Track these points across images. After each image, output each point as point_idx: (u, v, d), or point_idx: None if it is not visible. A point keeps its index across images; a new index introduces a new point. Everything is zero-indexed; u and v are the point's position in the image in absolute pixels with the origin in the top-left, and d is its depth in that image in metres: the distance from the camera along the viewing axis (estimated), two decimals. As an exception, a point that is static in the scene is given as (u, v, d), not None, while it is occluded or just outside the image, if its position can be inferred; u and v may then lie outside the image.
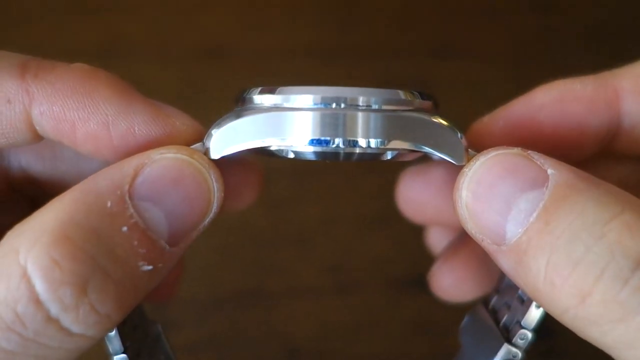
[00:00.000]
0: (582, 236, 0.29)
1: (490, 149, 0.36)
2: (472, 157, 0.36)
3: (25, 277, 0.29)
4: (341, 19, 0.92)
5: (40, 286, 0.29)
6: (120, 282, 0.32)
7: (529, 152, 0.35)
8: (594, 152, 0.44)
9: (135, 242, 0.32)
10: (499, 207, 0.33)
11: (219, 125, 0.36)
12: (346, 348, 0.85)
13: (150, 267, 0.32)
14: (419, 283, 0.91)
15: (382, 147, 0.34)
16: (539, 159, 0.34)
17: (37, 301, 0.29)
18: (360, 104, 0.33)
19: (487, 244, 0.34)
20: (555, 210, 0.30)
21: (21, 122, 0.35)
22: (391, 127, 0.34)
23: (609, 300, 0.28)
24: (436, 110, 0.38)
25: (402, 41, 0.90)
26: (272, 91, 0.34)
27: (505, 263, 0.33)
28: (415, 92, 0.36)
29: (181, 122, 0.38)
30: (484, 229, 0.33)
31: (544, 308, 0.33)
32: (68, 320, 0.30)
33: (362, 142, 0.33)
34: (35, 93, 0.34)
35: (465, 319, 0.52)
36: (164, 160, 0.34)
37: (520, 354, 0.39)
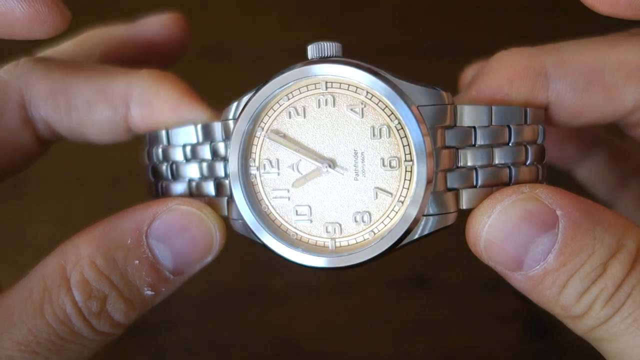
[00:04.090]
0: (590, 276, 0.40)
1: (503, 191, 0.42)
2: (488, 198, 0.43)
3: (70, 289, 0.43)
4: (341, 19, 0.92)
5: (78, 297, 0.43)
6: (129, 299, 0.45)
7: (537, 191, 0.41)
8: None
9: (144, 272, 0.44)
10: (516, 250, 0.41)
11: None
12: (346, 348, 0.85)
13: (152, 293, 0.45)
14: (419, 283, 0.92)
15: None
16: (546, 197, 0.41)
17: (77, 306, 0.43)
18: None
19: (499, 269, 0.42)
20: (569, 253, 0.40)
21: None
22: None
23: (601, 322, 0.40)
24: None
25: (402, 41, 0.90)
26: None
27: (517, 283, 0.42)
28: None
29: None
30: (499, 263, 0.42)
31: (550, 311, 0.43)
32: (95, 322, 0.44)
33: None
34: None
35: None
36: (178, 211, 0.46)
37: None
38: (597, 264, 0.40)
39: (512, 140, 0.45)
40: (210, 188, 0.48)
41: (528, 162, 0.46)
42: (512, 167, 0.45)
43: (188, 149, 0.49)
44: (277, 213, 0.45)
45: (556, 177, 0.45)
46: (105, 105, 0.50)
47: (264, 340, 0.85)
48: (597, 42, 0.47)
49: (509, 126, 0.45)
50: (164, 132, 0.50)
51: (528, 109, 0.46)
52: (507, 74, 0.46)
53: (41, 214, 0.85)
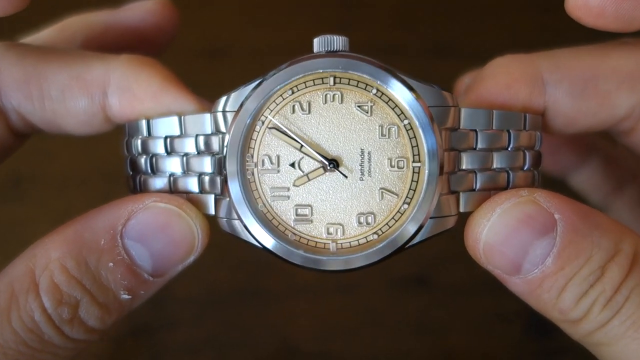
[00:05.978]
0: (589, 280, 0.40)
1: (502, 195, 0.42)
2: (487, 202, 0.42)
3: (39, 294, 0.40)
4: (341, 19, 0.92)
5: (47, 303, 0.40)
6: (104, 304, 0.42)
7: (536, 194, 0.41)
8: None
9: (119, 275, 0.41)
10: (515, 253, 0.40)
11: None
12: (346, 348, 0.85)
13: (129, 297, 0.42)
14: (419, 283, 0.92)
15: None
16: (545, 201, 0.40)
17: (47, 313, 0.40)
18: None
19: (497, 273, 0.42)
20: (567, 257, 0.39)
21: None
22: None
23: (599, 326, 0.40)
24: None
25: (401, 41, 0.90)
26: None
27: (516, 287, 0.41)
28: None
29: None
30: (498, 267, 0.41)
31: (547, 316, 0.43)
32: (67, 329, 0.41)
33: None
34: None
35: None
36: (155, 208, 0.42)
37: None
38: (595, 267, 0.40)
39: (512, 145, 0.45)
40: (192, 184, 0.46)
41: (525, 167, 0.46)
42: (510, 171, 0.45)
43: (169, 141, 0.46)
44: (275, 212, 0.44)
45: (551, 185, 0.45)
46: (81, 93, 0.46)
47: (263, 340, 0.85)
48: (591, 49, 0.47)
49: (508, 131, 0.45)
50: (144, 122, 0.47)
51: (527, 115, 0.45)
52: (505, 80, 0.46)
53: (41, 214, 0.84)
